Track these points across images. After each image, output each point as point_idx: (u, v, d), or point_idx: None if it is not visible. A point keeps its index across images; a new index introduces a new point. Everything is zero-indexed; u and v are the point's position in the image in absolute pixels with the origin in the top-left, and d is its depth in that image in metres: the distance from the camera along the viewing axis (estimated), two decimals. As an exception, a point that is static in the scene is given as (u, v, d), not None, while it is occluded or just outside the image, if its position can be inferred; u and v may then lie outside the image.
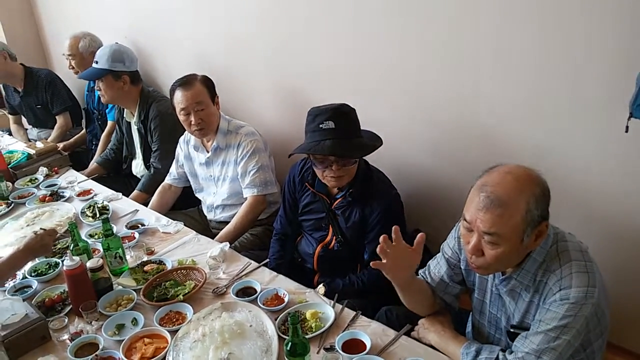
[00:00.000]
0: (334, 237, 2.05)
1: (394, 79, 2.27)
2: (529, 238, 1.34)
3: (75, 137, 3.80)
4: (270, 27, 2.66)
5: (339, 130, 1.87)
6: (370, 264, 1.51)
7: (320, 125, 1.88)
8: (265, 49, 2.74)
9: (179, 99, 2.44)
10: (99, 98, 3.53)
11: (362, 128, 1.98)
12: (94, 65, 2.95)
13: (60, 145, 3.41)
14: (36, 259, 2.13)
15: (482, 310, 1.62)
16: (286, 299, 1.81)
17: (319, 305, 1.76)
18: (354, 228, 2.00)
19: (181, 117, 2.48)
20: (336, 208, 2.03)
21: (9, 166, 2.97)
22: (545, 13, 1.76)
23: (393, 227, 1.51)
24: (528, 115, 1.93)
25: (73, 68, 3.53)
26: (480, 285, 1.60)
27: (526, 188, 1.32)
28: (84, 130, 3.89)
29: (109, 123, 3.51)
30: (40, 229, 2.05)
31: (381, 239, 1.48)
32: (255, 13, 2.70)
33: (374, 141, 1.98)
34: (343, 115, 1.90)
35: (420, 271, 1.72)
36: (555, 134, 1.90)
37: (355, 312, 1.72)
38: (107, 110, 3.52)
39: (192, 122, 2.45)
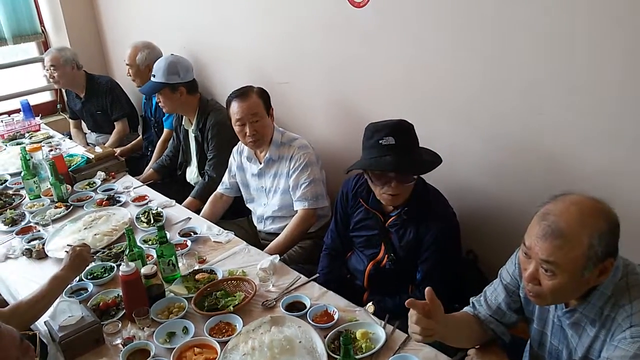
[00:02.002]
0: (386, 255, 2.01)
1: (452, 95, 2.23)
2: (590, 273, 1.27)
3: (132, 143, 3.91)
4: (326, 41, 2.67)
5: (399, 147, 1.84)
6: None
7: (380, 141, 1.85)
8: (321, 63, 2.75)
9: (235, 109, 2.48)
10: (156, 106, 3.64)
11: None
12: (152, 79, 3.04)
13: (117, 150, 3.51)
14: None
15: (541, 341, 1.55)
16: (336, 317, 1.78)
17: (370, 325, 1.73)
18: (407, 247, 1.95)
19: (236, 128, 2.52)
20: (390, 226, 1.99)
21: (69, 169, 3.08)
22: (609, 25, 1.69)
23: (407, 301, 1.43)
24: (596, 137, 1.85)
25: (131, 76, 3.65)
26: (540, 316, 1.53)
27: (591, 222, 1.26)
28: (140, 137, 4.01)
29: (165, 131, 3.60)
30: (67, 245, 2.07)
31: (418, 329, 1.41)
32: (311, 28, 2.71)
33: (434, 158, 1.95)
34: (403, 131, 1.87)
35: (473, 299, 1.66)
36: (626, 158, 1.81)
37: (407, 335, 1.68)
38: (163, 118, 3.61)
39: (247, 133, 2.48)
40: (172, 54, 3.09)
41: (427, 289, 1.43)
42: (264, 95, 2.52)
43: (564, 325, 1.43)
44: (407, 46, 2.32)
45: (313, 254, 2.45)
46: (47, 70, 3.86)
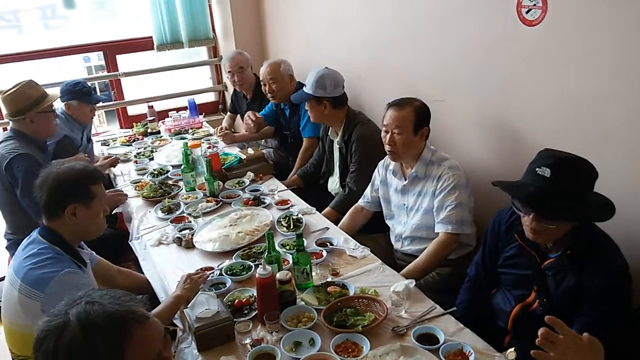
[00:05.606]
0: (538, 300, 1.79)
1: (631, 128, 1.95)
2: None
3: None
4: (489, 60, 2.50)
5: (552, 183, 1.63)
6: (531, 353, 1.32)
7: (537, 169, 1.67)
8: (481, 82, 2.59)
9: (386, 115, 2.47)
10: (288, 119, 3.78)
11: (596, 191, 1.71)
12: (304, 88, 3.12)
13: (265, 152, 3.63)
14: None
15: None
16: (471, 358, 1.63)
17: (509, 375, 1.55)
18: (565, 295, 1.72)
19: (382, 134, 2.49)
20: (547, 268, 1.77)
21: (222, 167, 3.26)
22: None
23: (546, 317, 1.36)
24: None
25: (273, 92, 3.68)
26: None
27: None
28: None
29: (305, 139, 3.65)
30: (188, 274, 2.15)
31: (541, 331, 1.31)
32: (474, 45, 2.56)
33: (595, 212, 1.67)
34: (568, 169, 1.64)
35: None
36: None
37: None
38: (300, 128, 3.67)
39: (386, 142, 2.45)
40: (325, 67, 3.12)
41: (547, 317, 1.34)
42: (421, 112, 2.43)
43: None
44: (581, 69, 2.08)
45: (451, 284, 2.29)
46: (234, 74, 4.04)
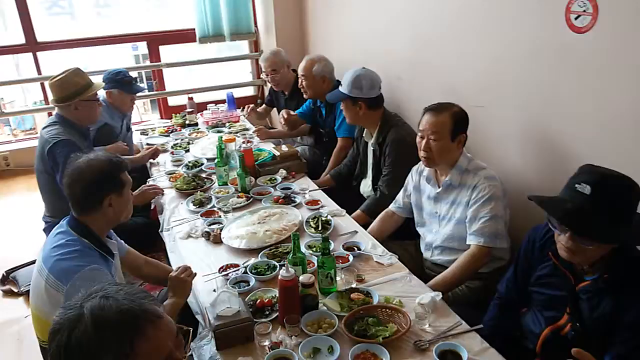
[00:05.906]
0: (570, 324, 1.69)
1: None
2: None
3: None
4: (534, 67, 2.40)
5: (591, 201, 1.53)
6: None
7: (576, 185, 1.57)
8: (524, 90, 2.49)
9: (422, 120, 2.40)
10: (324, 119, 3.73)
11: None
12: (339, 88, 3.07)
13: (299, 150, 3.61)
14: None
15: None
16: (495, 380, 1.57)
17: (535, 402, 1.48)
18: (600, 321, 1.61)
19: (417, 139, 2.43)
20: (582, 291, 1.67)
21: (255, 163, 3.25)
22: None
23: (573, 350, 1.35)
24: None
25: (303, 87, 3.69)
26: None
27: None
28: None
29: (339, 139, 3.61)
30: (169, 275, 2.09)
31: None
32: (518, 51, 2.47)
33: (637, 234, 1.57)
34: (610, 186, 1.54)
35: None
36: None
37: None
38: (335, 128, 3.63)
39: (422, 148, 2.37)
40: (363, 67, 3.06)
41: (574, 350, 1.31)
42: (458, 117, 2.34)
43: None
44: (633, 80, 1.96)
45: (480, 298, 2.21)
46: (267, 75, 4.08)
